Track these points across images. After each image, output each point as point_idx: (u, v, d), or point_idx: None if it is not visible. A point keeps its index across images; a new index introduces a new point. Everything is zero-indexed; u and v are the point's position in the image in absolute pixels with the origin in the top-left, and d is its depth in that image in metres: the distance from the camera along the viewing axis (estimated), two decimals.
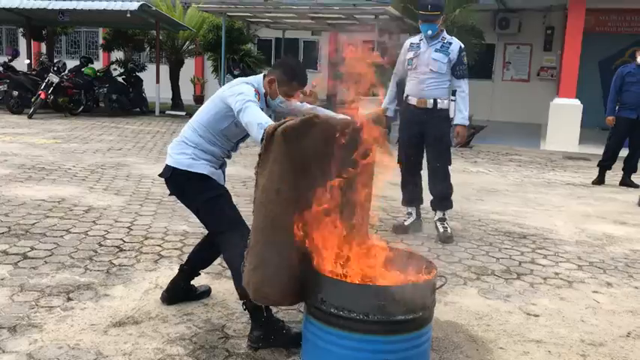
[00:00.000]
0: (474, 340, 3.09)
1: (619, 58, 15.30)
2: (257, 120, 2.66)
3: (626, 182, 8.00)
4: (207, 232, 3.25)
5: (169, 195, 3.23)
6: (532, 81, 17.54)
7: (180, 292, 3.34)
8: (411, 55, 5.00)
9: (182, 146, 3.03)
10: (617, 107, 7.88)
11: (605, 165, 8.09)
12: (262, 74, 3.12)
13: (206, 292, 3.46)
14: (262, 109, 2.82)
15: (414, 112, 5.01)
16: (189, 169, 2.96)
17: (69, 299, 3.33)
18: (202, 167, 2.97)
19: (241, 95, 2.80)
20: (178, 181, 3.04)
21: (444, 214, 5.09)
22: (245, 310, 2.92)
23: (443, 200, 5.09)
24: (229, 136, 3.03)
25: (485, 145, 11.81)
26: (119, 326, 3.03)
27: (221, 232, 2.98)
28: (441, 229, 5.00)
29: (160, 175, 3.15)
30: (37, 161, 7.49)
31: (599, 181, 8.08)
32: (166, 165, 3.08)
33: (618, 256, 4.76)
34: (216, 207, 2.99)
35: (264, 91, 3.02)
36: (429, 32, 4.88)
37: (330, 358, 2.53)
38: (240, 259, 2.76)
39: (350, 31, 17.29)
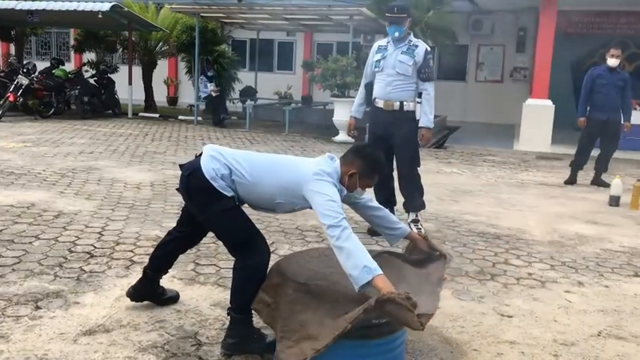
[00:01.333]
0: (448, 343, 3.10)
1: (590, 59, 15.57)
2: (364, 261, 2.42)
3: (597, 182, 8.12)
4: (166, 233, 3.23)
5: (176, 189, 3.06)
6: (505, 82, 17.76)
7: (147, 291, 3.27)
8: (378, 57, 5.06)
9: (216, 160, 2.81)
10: (587, 109, 7.98)
11: (577, 165, 8.18)
12: (334, 160, 2.82)
13: (173, 298, 3.40)
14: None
15: (381, 114, 5.07)
16: (211, 182, 2.75)
17: (37, 308, 3.25)
18: (223, 188, 2.77)
19: (331, 203, 2.56)
20: (192, 185, 2.82)
21: (416, 216, 5.13)
22: (228, 315, 2.87)
23: (414, 201, 5.14)
24: (259, 204, 2.87)
25: (459, 145, 11.92)
26: (89, 335, 2.97)
27: (235, 247, 2.85)
28: (415, 231, 5.01)
29: (180, 166, 2.97)
30: (6, 165, 7.33)
31: (571, 180, 8.17)
32: (196, 159, 2.86)
33: (589, 255, 4.82)
34: (229, 219, 2.81)
35: (343, 188, 2.78)
36: (396, 34, 4.94)
37: None
38: (251, 274, 2.74)
39: (324, 31, 17.33)
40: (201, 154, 2.91)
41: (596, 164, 8.18)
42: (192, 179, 2.81)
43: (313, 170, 2.70)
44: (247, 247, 2.80)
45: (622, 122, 7.95)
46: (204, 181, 2.76)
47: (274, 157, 2.97)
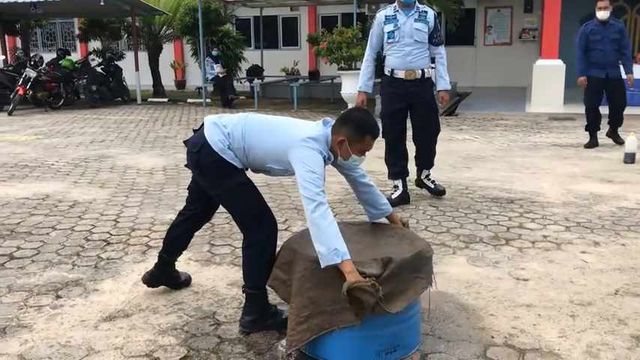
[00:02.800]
0: (464, 309, 3.11)
1: None
2: (333, 242, 2.41)
3: (612, 135, 7.96)
4: (178, 214, 3.26)
5: (185, 166, 3.04)
6: (514, 44, 17.50)
7: (163, 275, 3.31)
8: (390, 27, 4.98)
9: (219, 130, 2.79)
10: (585, 67, 7.73)
11: (592, 127, 7.94)
12: (327, 124, 2.75)
13: (187, 281, 3.44)
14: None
15: (402, 85, 5.03)
16: (220, 154, 2.75)
17: (58, 297, 3.31)
18: (232, 159, 2.77)
19: (311, 174, 2.52)
20: (203, 161, 2.79)
21: (429, 172, 5.34)
22: (244, 293, 2.91)
23: (431, 160, 5.33)
24: (254, 167, 2.86)
25: (470, 111, 11.81)
26: (110, 320, 3.02)
27: (245, 222, 2.86)
28: (433, 186, 5.30)
29: (184, 143, 2.98)
30: (20, 159, 7.41)
31: (592, 144, 7.89)
32: (199, 134, 2.83)
33: (605, 214, 4.79)
34: (241, 194, 2.82)
35: (331, 155, 2.74)
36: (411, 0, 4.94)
37: (323, 335, 2.53)
38: (261, 250, 2.77)
39: (328, 3, 17.13)
40: (200, 128, 2.90)
41: (610, 119, 7.99)
42: (202, 155, 2.79)
43: (301, 136, 2.64)
44: (257, 222, 2.82)
45: (624, 76, 7.71)
46: (214, 155, 2.75)
47: (269, 121, 2.87)
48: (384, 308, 2.40)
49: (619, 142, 7.83)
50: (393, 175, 5.23)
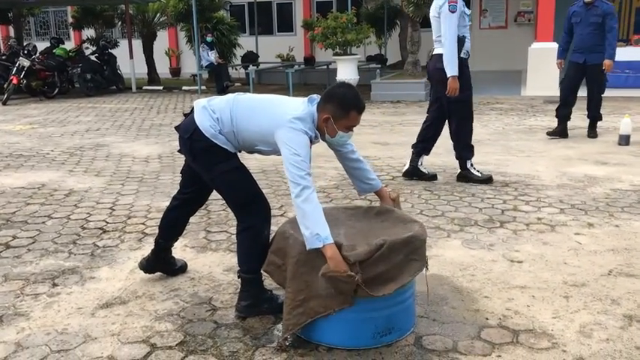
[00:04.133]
0: (459, 291, 3.13)
1: None
2: (316, 226, 2.42)
3: (591, 133, 7.40)
4: (172, 199, 3.26)
5: (178, 151, 3.03)
6: (510, 27, 17.45)
7: (160, 261, 3.32)
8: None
9: (208, 115, 2.77)
10: (565, 50, 7.45)
11: (558, 114, 7.43)
12: (314, 102, 2.73)
13: (183, 268, 3.45)
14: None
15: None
16: (212, 139, 2.75)
17: (54, 285, 3.32)
18: (224, 143, 2.77)
19: (295, 157, 2.51)
20: (196, 147, 2.78)
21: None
22: (239, 278, 2.92)
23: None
24: (244, 148, 2.85)
25: None
26: (106, 307, 3.04)
27: (238, 206, 2.87)
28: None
29: (175, 128, 2.96)
30: (15, 148, 7.39)
31: (557, 131, 7.37)
32: (190, 119, 2.82)
33: (599, 196, 4.81)
34: (234, 179, 2.82)
35: (318, 133, 2.72)
36: None
37: (318, 319, 2.55)
38: (255, 234, 2.77)
39: None
40: (190, 113, 2.88)
41: (588, 112, 7.46)
42: (194, 140, 2.78)
43: (286, 117, 2.62)
44: (250, 206, 2.83)
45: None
46: (207, 141, 2.74)
47: (255, 102, 2.84)
48: (368, 292, 2.42)
49: (590, 135, 7.34)
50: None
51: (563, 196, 4.81)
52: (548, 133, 7.45)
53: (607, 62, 6.97)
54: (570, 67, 7.36)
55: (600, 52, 6.98)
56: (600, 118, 7.43)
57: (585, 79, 7.27)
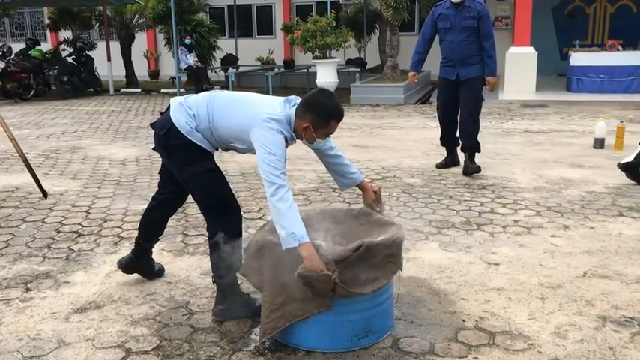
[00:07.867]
0: (436, 293, 3.14)
1: (571, 2, 15.44)
2: (291, 225, 2.41)
3: (467, 170, 5.64)
4: (151, 201, 3.22)
5: (152, 149, 3.00)
6: None
7: (139, 262, 3.28)
8: None
9: (185, 112, 2.74)
10: (419, 61, 5.90)
11: (443, 142, 6.06)
12: (291, 103, 2.69)
13: (160, 271, 3.41)
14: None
15: None
16: (188, 137, 2.72)
17: (28, 289, 3.26)
18: (201, 141, 2.75)
19: (270, 157, 2.50)
20: (171, 144, 2.76)
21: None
22: (214, 283, 2.90)
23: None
24: (220, 146, 2.82)
25: None
26: (81, 312, 2.99)
27: (209, 209, 2.84)
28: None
29: (151, 126, 2.93)
30: None
31: (446, 163, 5.96)
32: (166, 116, 2.79)
33: (575, 198, 4.87)
34: (208, 181, 2.80)
35: (294, 135, 2.68)
36: None
37: (296, 323, 2.54)
38: (224, 239, 2.74)
39: None
40: (166, 110, 2.85)
41: (461, 142, 5.83)
42: (169, 138, 2.75)
43: (262, 117, 2.60)
44: (219, 209, 2.80)
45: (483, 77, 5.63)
46: (182, 138, 2.72)
47: (233, 99, 2.82)
48: (346, 289, 2.41)
49: (468, 172, 5.57)
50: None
51: (540, 199, 4.87)
52: (437, 166, 5.98)
53: (491, 79, 5.63)
54: (441, 86, 5.96)
55: (477, 63, 5.54)
56: (478, 149, 5.75)
57: (460, 98, 5.68)
